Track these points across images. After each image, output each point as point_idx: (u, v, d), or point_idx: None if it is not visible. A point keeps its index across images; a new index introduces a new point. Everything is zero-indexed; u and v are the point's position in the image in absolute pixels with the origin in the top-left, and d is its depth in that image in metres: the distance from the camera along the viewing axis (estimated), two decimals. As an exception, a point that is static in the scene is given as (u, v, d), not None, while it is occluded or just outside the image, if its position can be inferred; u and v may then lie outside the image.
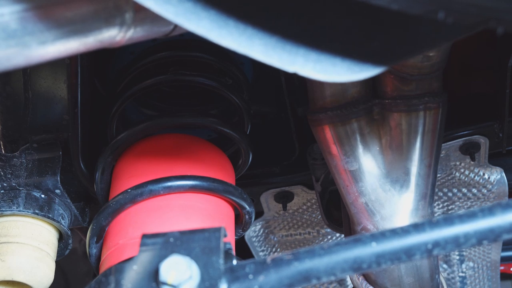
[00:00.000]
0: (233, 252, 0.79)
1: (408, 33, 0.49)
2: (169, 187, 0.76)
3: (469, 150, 1.06)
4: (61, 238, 0.89)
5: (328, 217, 1.14)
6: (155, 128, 0.86)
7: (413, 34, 0.49)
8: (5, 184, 0.84)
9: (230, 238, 0.80)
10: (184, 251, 0.51)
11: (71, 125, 0.84)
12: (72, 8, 0.46)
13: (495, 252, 1.21)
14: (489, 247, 1.20)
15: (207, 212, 0.77)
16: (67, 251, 0.90)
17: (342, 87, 0.86)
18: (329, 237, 1.24)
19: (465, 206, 1.14)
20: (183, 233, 0.53)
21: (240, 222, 0.86)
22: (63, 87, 0.80)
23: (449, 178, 1.11)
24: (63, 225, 0.86)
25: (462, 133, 1.04)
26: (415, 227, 0.47)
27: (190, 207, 0.77)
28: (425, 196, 0.89)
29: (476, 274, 1.25)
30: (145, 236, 0.54)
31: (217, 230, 0.53)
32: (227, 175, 0.85)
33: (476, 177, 1.10)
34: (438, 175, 1.09)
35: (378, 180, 0.88)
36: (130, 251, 0.71)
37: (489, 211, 0.46)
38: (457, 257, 1.24)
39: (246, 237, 1.21)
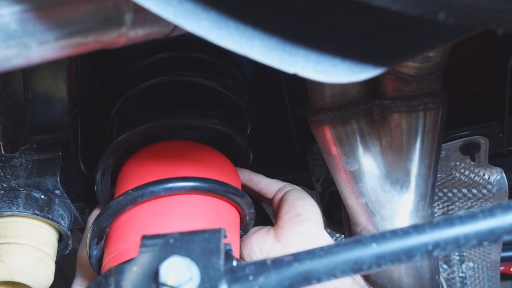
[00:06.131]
0: (236, 254, 0.79)
1: (408, 34, 0.49)
2: (170, 189, 0.76)
3: (469, 151, 1.06)
4: (61, 238, 0.89)
5: (328, 218, 1.14)
6: (155, 129, 0.85)
7: (413, 35, 0.49)
8: (4, 185, 0.84)
9: (234, 240, 0.79)
10: (184, 252, 0.51)
11: (70, 125, 0.84)
12: (72, 9, 0.46)
13: (495, 253, 1.21)
14: (489, 247, 1.20)
15: (210, 216, 0.77)
16: (67, 252, 0.90)
17: (342, 87, 0.86)
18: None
19: (465, 207, 1.14)
20: (183, 234, 0.52)
21: (241, 224, 0.86)
22: (63, 88, 0.80)
23: (449, 178, 1.11)
24: (63, 225, 0.86)
25: (462, 133, 1.04)
26: (416, 228, 0.47)
27: (193, 211, 0.76)
28: (425, 196, 0.89)
29: (476, 275, 1.24)
30: (145, 237, 0.54)
31: (217, 231, 0.53)
32: (232, 181, 0.85)
33: (476, 177, 1.10)
34: (438, 175, 1.09)
35: (378, 180, 0.88)
36: (131, 256, 0.71)
37: (490, 212, 0.46)
38: (457, 258, 1.24)
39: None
